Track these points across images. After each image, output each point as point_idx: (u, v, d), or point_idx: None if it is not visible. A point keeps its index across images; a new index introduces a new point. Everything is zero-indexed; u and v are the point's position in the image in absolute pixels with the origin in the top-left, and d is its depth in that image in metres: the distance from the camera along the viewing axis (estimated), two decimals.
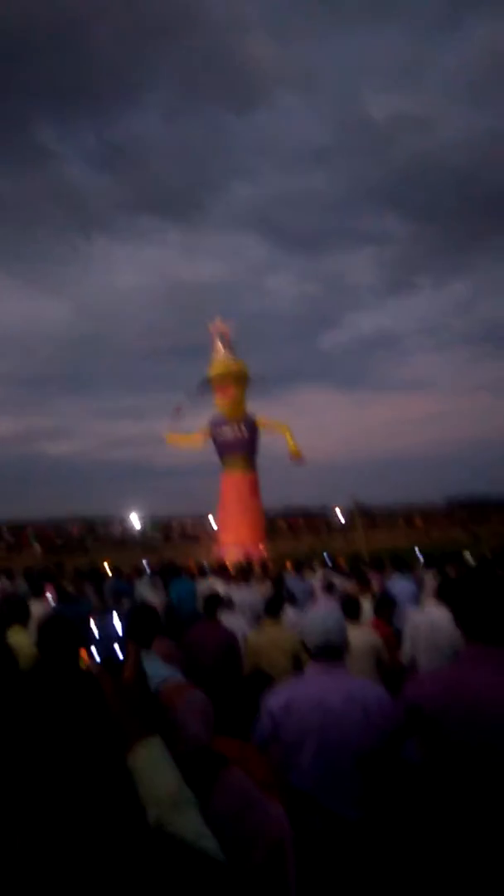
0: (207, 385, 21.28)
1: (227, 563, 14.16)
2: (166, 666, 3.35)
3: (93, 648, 1.21)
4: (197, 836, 1.07)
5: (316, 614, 2.89)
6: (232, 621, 6.73)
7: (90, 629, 1.25)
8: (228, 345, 21.42)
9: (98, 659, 1.20)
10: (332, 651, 2.75)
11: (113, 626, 1.22)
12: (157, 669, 3.11)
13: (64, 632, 3.18)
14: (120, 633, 1.22)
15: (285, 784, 2.59)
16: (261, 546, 19.82)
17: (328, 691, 2.67)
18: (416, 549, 13.35)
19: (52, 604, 8.56)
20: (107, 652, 1.20)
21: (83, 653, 2.82)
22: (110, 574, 12.69)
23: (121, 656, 1.20)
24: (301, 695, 2.70)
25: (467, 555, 11.42)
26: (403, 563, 9.62)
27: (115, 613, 1.27)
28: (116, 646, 1.21)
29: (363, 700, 2.64)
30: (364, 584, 7.34)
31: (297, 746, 2.63)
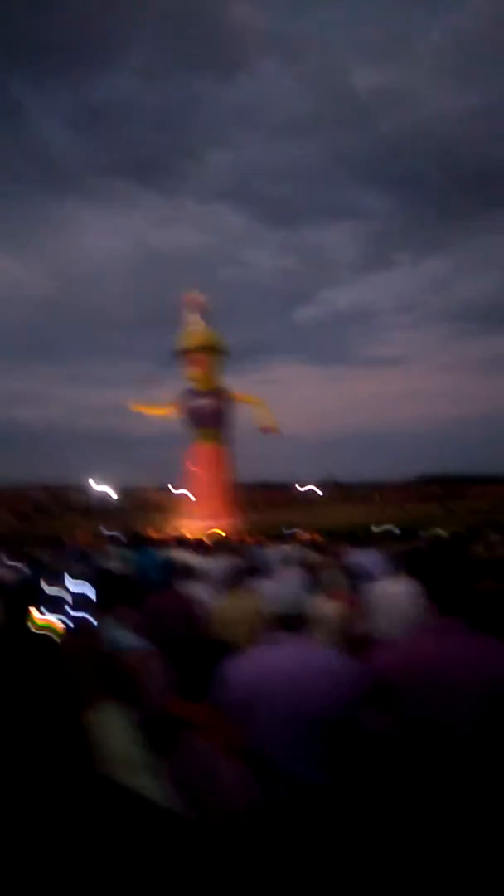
0: (180, 356, 21.10)
1: (195, 534, 14.21)
2: (129, 634, 3.33)
3: (49, 611, 1.17)
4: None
5: (278, 585, 2.89)
6: (195, 590, 6.74)
7: (46, 592, 1.21)
8: (203, 316, 21.20)
9: (55, 621, 1.16)
10: (294, 621, 2.74)
11: (70, 590, 1.19)
12: (127, 638, 3.09)
13: (29, 598, 3.14)
14: (78, 597, 1.19)
15: (247, 749, 2.59)
16: (228, 517, 19.89)
17: (291, 660, 2.67)
18: (388, 523, 13.55)
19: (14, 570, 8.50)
20: (64, 615, 1.17)
21: (36, 615, 2.78)
22: (73, 542, 12.64)
23: (78, 620, 1.17)
24: (264, 662, 2.69)
25: (439, 530, 11.61)
26: (372, 536, 9.74)
27: (71, 578, 1.23)
28: (75, 610, 1.18)
29: (327, 668, 2.65)
30: (332, 556, 7.41)
31: (259, 713, 2.62)
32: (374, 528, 10.40)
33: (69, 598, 1.19)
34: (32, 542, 12.53)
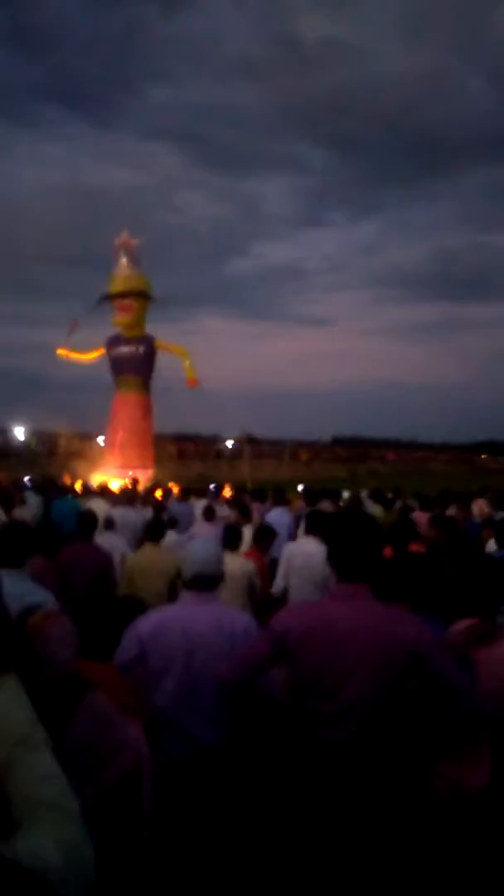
0: (107, 300, 20.42)
1: (113, 483, 14.03)
2: (38, 588, 3.29)
3: None
4: (46, 777, 1.04)
5: (194, 544, 2.90)
6: (112, 541, 6.71)
7: None
8: (133, 260, 20.53)
9: None
10: (205, 581, 2.78)
11: None
12: (30, 593, 3.04)
13: None
14: None
15: (148, 707, 2.64)
16: (148, 469, 19.74)
17: (197, 619, 2.71)
18: (300, 484, 13.76)
19: None
20: None
21: None
22: None
23: None
24: (170, 621, 2.73)
25: (344, 492, 11.89)
26: (283, 496, 9.91)
27: None
28: None
29: (230, 628, 2.71)
30: (245, 515, 7.49)
31: (162, 671, 2.67)
32: (283, 489, 10.54)
33: None
34: None
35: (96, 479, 16.46)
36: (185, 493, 11.52)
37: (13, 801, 1.02)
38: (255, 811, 2.85)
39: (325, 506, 8.62)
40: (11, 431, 32.91)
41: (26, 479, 14.89)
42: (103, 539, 6.51)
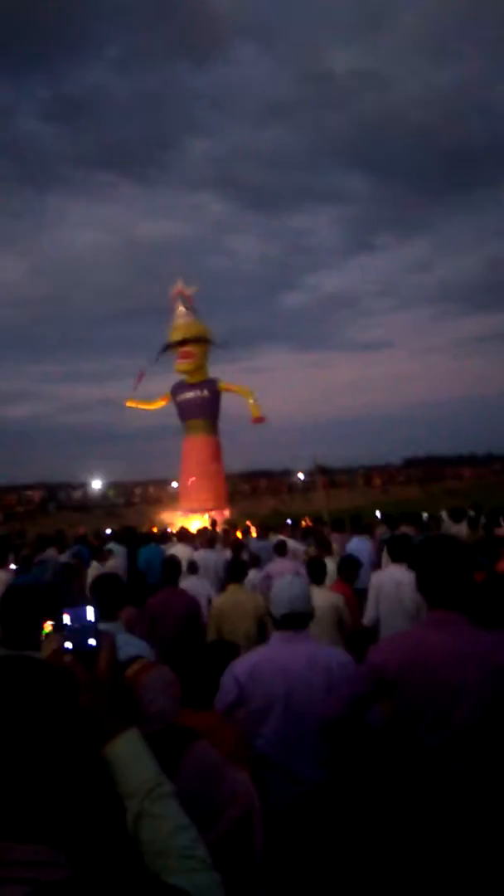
0: (169, 349, 20.97)
1: (191, 527, 14.19)
2: (134, 639, 3.35)
3: (67, 640, 1.17)
4: (177, 828, 1.06)
5: (282, 583, 2.90)
6: (197, 584, 6.77)
7: (54, 603, 1.21)
8: (190, 307, 21.06)
9: (70, 648, 1.16)
10: (297, 619, 2.77)
11: (85, 614, 1.18)
12: (126, 644, 3.10)
13: (24, 604, 3.13)
14: (94, 621, 1.19)
15: (251, 750, 2.63)
16: (223, 509, 19.89)
17: (293, 658, 2.70)
18: (377, 510, 13.55)
19: (10, 572, 8.50)
20: (80, 642, 1.17)
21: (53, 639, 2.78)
22: (74, 540, 12.59)
23: (93, 645, 1.17)
24: (266, 662, 2.73)
25: (423, 514, 11.63)
26: (361, 524, 9.77)
27: (89, 605, 1.22)
28: (89, 635, 1.17)
29: (327, 666, 2.68)
30: (324, 547, 7.43)
31: (262, 713, 2.66)
32: (361, 516, 10.40)
33: (88, 623, 1.19)
34: (32, 543, 12.49)
35: (174, 524, 16.69)
36: (264, 531, 11.53)
37: (146, 853, 1.04)
38: (366, 848, 2.77)
39: (406, 530, 8.45)
40: (90, 485, 33.93)
41: (107, 530, 15.24)
42: (188, 583, 6.58)
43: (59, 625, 1.15)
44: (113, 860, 1.16)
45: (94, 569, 8.31)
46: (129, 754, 1.10)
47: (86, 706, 1.12)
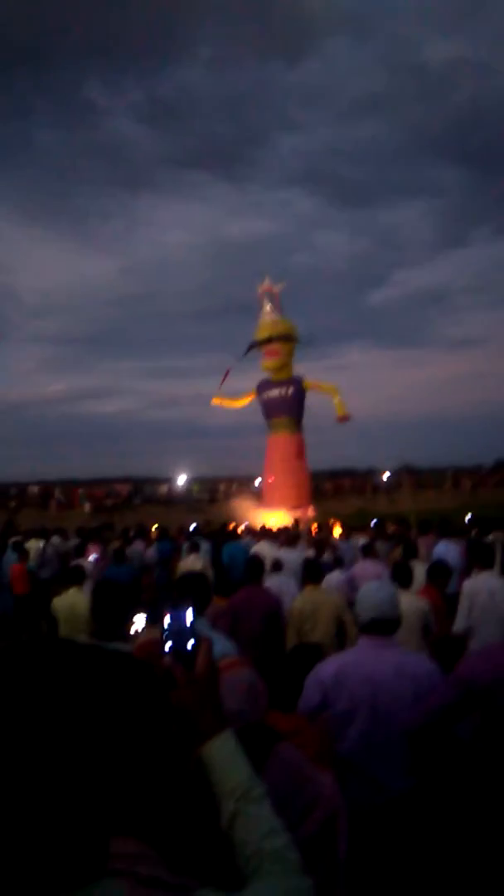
0: (255, 347, 21.11)
1: (275, 524, 14.23)
2: (221, 637, 3.38)
3: (166, 641, 1.19)
4: (271, 831, 1.07)
5: (370, 587, 2.85)
6: (282, 583, 6.78)
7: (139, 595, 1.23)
8: (277, 305, 21.13)
9: (170, 649, 1.19)
10: (384, 625, 2.72)
11: (184, 616, 1.20)
12: (218, 641, 3.13)
13: (114, 597, 3.22)
14: (191, 623, 1.20)
15: (334, 754, 2.60)
16: (307, 507, 19.84)
17: (379, 665, 2.65)
18: (469, 513, 13.12)
19: (93, 563, 8.79)
20: (180, 643, 1.19)
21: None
22: (156, 534, 12.88)
23: (190, 647, 1.19)
24: (351, 667, 2.69)
25: None
26: (449, 527, 9.48)
27: (188, 607, 1.24)
28: (188, 637, 1.19)
29: (413, 675, 2.62)
30: (410, 552, 7.26)
31: (346, 718, 2.63)
32: (450, 519, 10.08)
33: (185, 625, 1.21)
34: (119, 535, 12.90)
35: (258, 522, 16.79)
36: (347, 531, 11.43)
37: (240, 854, 1.06)
38: (444, 859, 2.68)
39: (498, 536, 8.15)
40: (175, 480, 34.66)
41: (191, 526, 15.50)
42: (273, 581, 6.59)
43: (153, 620, 1.18)
44: (205, 858, 1.17)
45: (192, 561, 8.43)
46: (225, 755, 1.11)
47: (183, 706, 1.13)
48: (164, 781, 1.01)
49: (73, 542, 12.42)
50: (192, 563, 8.21)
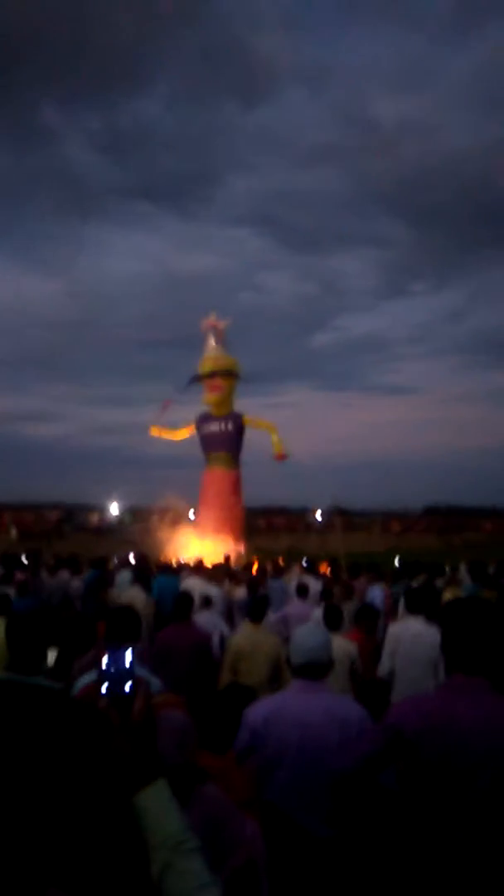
0: (197, 380, 21.19)
1: (206, 559, 14.12)
2: (149, 675, 3.32)
3: (103, 683, 1.16)
4: (202, 885, 1.05)
5: (304, 631, 2.87)
6: (212, 619, 6.71)
7: (57, 628, 1.20)
8: (221, 340, 21.33)
9: (107, 692, 1.15)
10: (315, 670, 2.74)
11: (123, 658, 1.17)
12: (150, 680, 3.06)
13: (30, 629, 3.10)
14: (130, 666, 1.18)
15: (259, 799, 2.59)
16: (239, 543, 19.79)
17: (309, 709, 2.67)
18: (397, 557, 13.38)
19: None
20: (117, 686, 1.16)
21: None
22: (90, 564, 12.56)
23: (129, 690, 1.16)
24: (282, 711, 2.69)
25: (453, 567, 11.41)
26: (377, 571, 9.65)
27: (128, 649, 1.20)
28: (126, 680, 1.16)
29: (343, 719, 2.64)
30: (348, 593, 7.35)
31: (274, 762, 2.62)
32: (378, 563, 10.27)
33: (123, 668, 1.17)
34: (48, 564, 12.51)
35: (189, 555, 16.62)
36: (279, 569, 11.43)
37: None
38: None
39: (438, 582, 8.35)
40: (107, 509, 34.03)
41: (125, 556, 15.18)
42: (202, 618, 6.52)
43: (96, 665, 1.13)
44: None
45: (124, 595, 8.23)
46: (159, 805, 1.09)
47: (119, 752, 1.11)
48: (98, 830, 0.99)
49: None
50: (133, 595, 7.99)
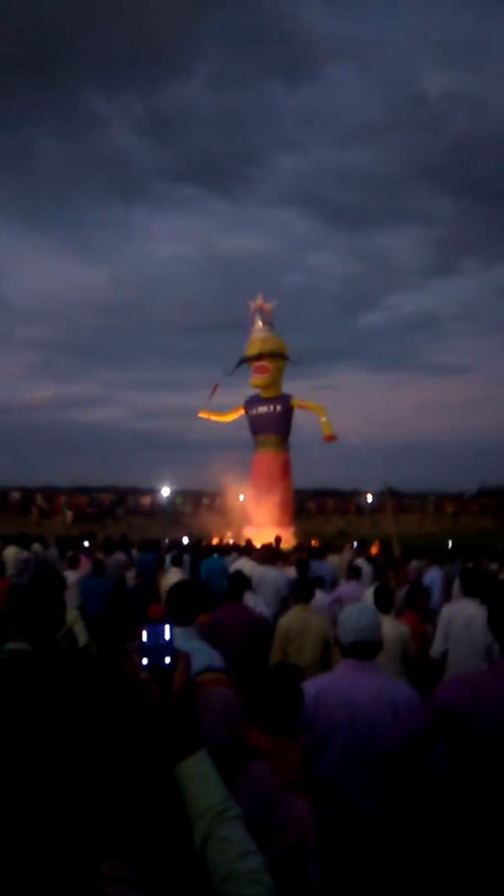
0: (245, 363, 21.17)
1: (256, 541, 14.19)
2: (205, 650, 3.34)
3: (143, 657, 1.17)
4: (245, 853, 1.06)
5: (352, 610, 2.85)
6: (260, 603, 6.73)
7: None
8: (268, 322, 21.22)
9: (146, 665, 1.17)
10: (365, 649, 2.72)
11: (162, 631, 1.18)
12: (198, 651, 3.08)
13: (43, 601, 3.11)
14: (170, 639, 1.19)
15: (311, 777, 2.59)
16: (289, 526, 19.81)
17: (358, 689, 2.65)
18: (450, 540, 13.18)
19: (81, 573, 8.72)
20: (156, 659, 1.17)
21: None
22: (139, 547, 12.79)
23: (168, 663, 1.17)
24: (331, 690, 2.68)
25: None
26: (436, 553, 9.50)
27: (167, 622, 1.21)
28: (166, 653, 1.17)
29: (392, 700, 2.62)
30: (396, 573, 7.27)
31: (324, 741, 2.62)
32: (433, 545, 10.11)
33: (165, 641, 1.18)
34: (101, 545, 12.79)
35: (239, 537, 16.75)
36: (323, 550, 11.35)
37: (213, 876, 1.04)
38: (419, 887, 2.66)
39: (487, 564, 8.18)
40: (158, 491, 34.51)
41: (184, 539, 15.39)
42: (249, 601, 6.55)
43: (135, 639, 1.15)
44: (179, 879, 1.15)
45: (172, 574, 8.37)
46: (200, 775, 1.10)
47: (159, 724, 1.12)
48: (144, 800, 1.00)
49: (53, 550, 12.33)
50: (172, 576, 8.13)
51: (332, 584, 8.62)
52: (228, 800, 1.10)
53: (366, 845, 2.53)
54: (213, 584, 8.29)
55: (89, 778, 0.90)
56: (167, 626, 1.19)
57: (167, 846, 1.22)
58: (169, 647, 1.17)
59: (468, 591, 5.18)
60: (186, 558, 10.21)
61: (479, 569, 6.33)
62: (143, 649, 1.17)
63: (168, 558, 9.96)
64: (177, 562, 8.97)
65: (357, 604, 3.12)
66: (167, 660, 1.17)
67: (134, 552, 12.39)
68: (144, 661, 1.17)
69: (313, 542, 13.69)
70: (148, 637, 1.18)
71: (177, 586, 3.51)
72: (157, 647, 1.17)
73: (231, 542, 14.99)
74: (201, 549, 12.05)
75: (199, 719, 1.92)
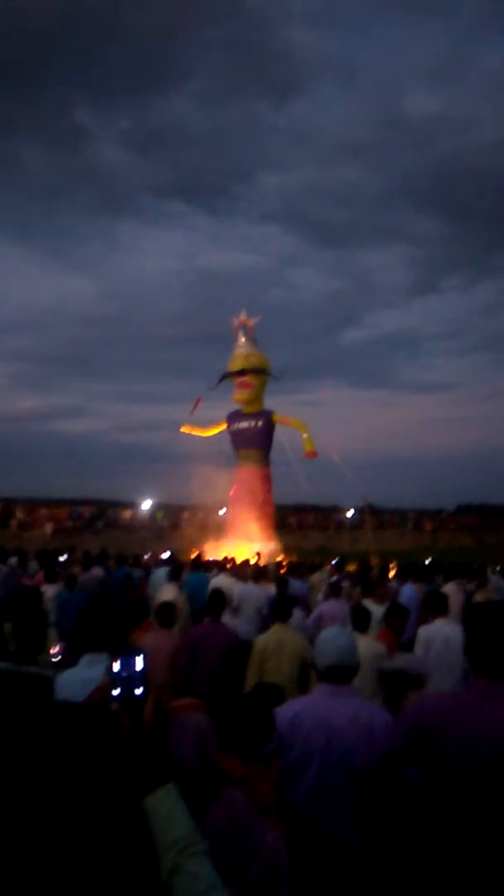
0: (228, 378, 21.21)
1: (237, 556, 14.14)
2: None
3: (114, 687, 1.17)
4: (210, 888, 1.06)
5: (329, 633, 2.85)
6: (238, 622, 6.71)
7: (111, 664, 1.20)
8: (251, 338, 21.32)
9: (118, 696, 1.17)
10: (342, 673, 2.72)
11: (134, 662, 1.19)
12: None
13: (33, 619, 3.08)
14: (143, 670, 1.19)
15: (284, 803, 2.57)
16: (269, 541, 19.78)
17: (335, 713, 2.65)
18: (422, 553, 13.23)
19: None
20: (128, 690, 1.17)
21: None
22: (119, 561, 12.68)
23: (139, 694, 1.17)
24: (307, 714, 2.68)
25: (481, 568, 11.28)
26: (414, 571, 9.53)
27: (139, 654, 1.21)
28: (137, 684, 1.17)
29: (368, 724, 2.62)
30: (371, 592, 7.29)
31: (300, 766, 2.61)
32: (413, 563, 10.16)
33: (135, 672, 1.18)
34: (80, 560, 12.67)
35: (219, 552, 16.68)
36: (308, 567, 11.36)
37: None
38: None
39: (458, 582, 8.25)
40: (139, 505, 34.26)
41: (166, 553, 15.28)
42: (228, 619, 6.52)
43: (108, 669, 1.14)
44: None
45: (167, 591, 8.21)
46: (168, 808, 1.10)
47: (129, 756, 1.12)
48: (107, 833, 1.00)
49: (33, 564, 12.19)
50: (167, 593, 8.00)
51: (303, 602, 8.58)
52: (195, 833, 1.10)
53: (340, 873, 2.52)
54: (197, 600, 8.21)
55: (44, 809, 0.91)
56: (139, 657, 1.19)
57: (133, 879, 1.21)
58: (141, 678, 1.17)
59: (434, 610, 5.30)
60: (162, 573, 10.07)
61: (442, 592, 6.44)
62: (116, 680, 1.17)
63: (160, 572, 9.83)
64: (174, 577, 8.78)
65: (334, 627, 3.12)
66: (138, 691, 1.16)
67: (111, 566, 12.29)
68: (116, 691, 1.17)
69: (288, 560, 13.66)
70: (121, 667, 1.17)
71: (162, 606, 3.47)
72: (130, 678, 1.17)
73: (211, 558, 14.91)
74: (189, 563, 11.97)
75: (172, 745, 1.91)
